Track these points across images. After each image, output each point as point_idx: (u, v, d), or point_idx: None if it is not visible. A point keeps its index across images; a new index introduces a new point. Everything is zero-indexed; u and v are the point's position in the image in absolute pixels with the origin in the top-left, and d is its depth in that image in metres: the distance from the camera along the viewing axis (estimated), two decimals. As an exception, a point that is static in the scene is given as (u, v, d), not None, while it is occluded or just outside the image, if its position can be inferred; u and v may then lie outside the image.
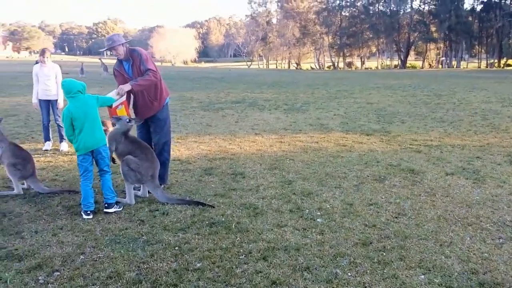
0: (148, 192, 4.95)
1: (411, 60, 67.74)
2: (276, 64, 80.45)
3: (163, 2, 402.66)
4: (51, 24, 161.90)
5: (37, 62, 7.47)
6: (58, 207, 4.66)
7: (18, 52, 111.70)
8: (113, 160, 5.10)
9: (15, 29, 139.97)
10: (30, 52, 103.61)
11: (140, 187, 4.99)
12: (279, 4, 76.37)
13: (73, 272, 3.32)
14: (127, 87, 4.85)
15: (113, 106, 4.90)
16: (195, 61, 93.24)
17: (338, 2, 67.84)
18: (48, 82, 7.28)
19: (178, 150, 7.29)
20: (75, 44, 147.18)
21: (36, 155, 6.85)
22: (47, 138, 7.46)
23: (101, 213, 4.48)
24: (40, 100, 7.36)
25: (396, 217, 4.45)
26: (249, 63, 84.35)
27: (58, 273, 3.31)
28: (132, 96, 5.18)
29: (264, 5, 79.89)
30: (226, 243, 3.83)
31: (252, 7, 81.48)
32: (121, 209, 4.57)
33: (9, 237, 3.92)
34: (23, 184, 5.21)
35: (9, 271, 3.32)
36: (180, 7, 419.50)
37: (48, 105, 7.39)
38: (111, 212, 4.49)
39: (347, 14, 68.47)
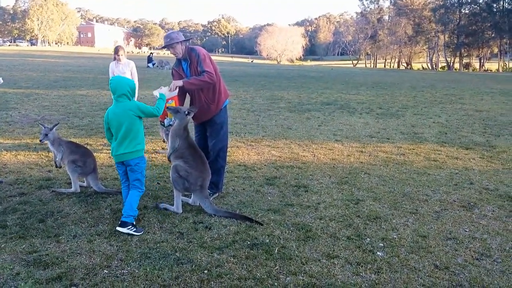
0: (198, 201, 4.63)
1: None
2: (384, 63, 77.34)
3: (276, 1, 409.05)
4: (171, 22, 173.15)
5: (114, 60, 7.57)
6: (106, 210, 4.53)
7: (140, 48, 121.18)
8: (169, 159, 4.80)
9: (138, 26, 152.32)
10: (149, 48, 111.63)
11: (191, 194, 4.71)
12: (392, 0, 73.15)
13: (89, 289, 3.09)
14: (179, 83, 4.63)
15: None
16: (300, 59, 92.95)
17: (457, -2, 63.07)
18: None
19: (247, 154, 6.92)
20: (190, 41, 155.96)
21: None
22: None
23: (144, 221, 4.25)
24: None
25: (477, 259, 3.62)
26: (355, 61, 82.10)
27: (74, 288, 3.10)
28: (189, 98, 4.93)
29: (376, 2, 77.29)
30: (261, 272, 3.35)
31: (363, 4, 79.44)
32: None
33: (46, 240, 3.82)
34: (83, 182, 5.21)
35: (29, 280, 3.17)
36: (292, 5, 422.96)
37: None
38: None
39: (467, 11, 63.30)
